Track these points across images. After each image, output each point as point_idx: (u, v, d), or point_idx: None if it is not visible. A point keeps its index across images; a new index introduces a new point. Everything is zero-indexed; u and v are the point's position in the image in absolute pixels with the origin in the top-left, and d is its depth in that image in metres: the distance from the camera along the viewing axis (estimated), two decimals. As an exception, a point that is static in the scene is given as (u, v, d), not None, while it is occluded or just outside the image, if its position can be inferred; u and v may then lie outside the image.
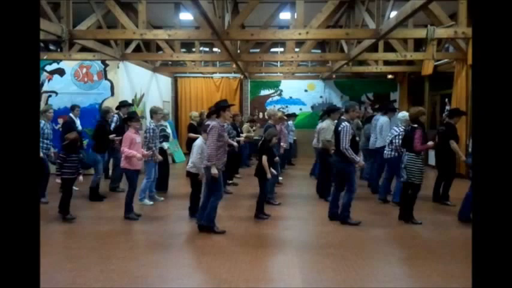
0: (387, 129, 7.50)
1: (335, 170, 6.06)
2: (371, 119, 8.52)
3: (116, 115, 7.97)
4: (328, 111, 7.38)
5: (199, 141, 5.94)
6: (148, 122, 7.15)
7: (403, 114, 6.88)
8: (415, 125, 5.81)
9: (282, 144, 7.90)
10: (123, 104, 8.18)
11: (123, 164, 6.10)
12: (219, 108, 5.36)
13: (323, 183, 7.55)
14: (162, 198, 7.26)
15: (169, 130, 7.77)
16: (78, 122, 8.33)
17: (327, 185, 7.39)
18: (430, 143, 5.84)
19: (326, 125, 7.35)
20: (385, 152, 7.00)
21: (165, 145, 7.45)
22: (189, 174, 6.10)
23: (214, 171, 5.17)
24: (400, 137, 6.53)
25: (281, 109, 14.19)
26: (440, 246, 4.99)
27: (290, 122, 10.65)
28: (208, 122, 5.84)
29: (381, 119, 7.84)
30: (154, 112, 7.03)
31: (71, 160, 5.86)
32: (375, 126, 8.17)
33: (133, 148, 6.03)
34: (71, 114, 8.26)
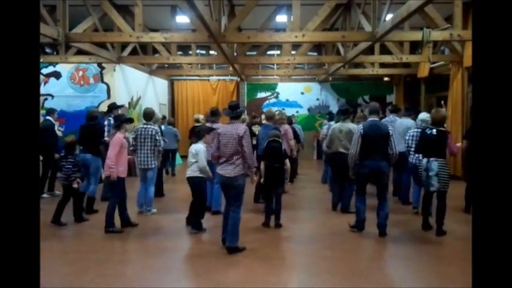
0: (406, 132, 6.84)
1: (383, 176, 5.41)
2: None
3: (109, 118, 7.60)
4: (349, 112, 6.69)
5: (198, 146, 5.53)
6: (152, 124, 6.66)
7: (427, 116, 6.15)
8: (442, 129, 5.39)
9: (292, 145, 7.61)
10: (114, 107, 7.88)
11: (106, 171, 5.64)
12: (242, 110, 5.02)
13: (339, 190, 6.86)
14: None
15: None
16: (56, 126, 8.10)
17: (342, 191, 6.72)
18: (459, 144, 5.67)
19: (351, 128, 6.34)
20: (410, 157, 6.31)
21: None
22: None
23: (255, 177, 4.82)
24: (415, 138, 6.05)
25: (277, 111, 14.24)
26: (438, 248, 5.00)
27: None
28: (216, 125, 5.69)
29: (405, 122, 7.17)
30: (152, 114, 6.69)
31: (68, 162, 5.80)
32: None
33: (122, 153, 5.58)
34: (50, 118, 7.81)
